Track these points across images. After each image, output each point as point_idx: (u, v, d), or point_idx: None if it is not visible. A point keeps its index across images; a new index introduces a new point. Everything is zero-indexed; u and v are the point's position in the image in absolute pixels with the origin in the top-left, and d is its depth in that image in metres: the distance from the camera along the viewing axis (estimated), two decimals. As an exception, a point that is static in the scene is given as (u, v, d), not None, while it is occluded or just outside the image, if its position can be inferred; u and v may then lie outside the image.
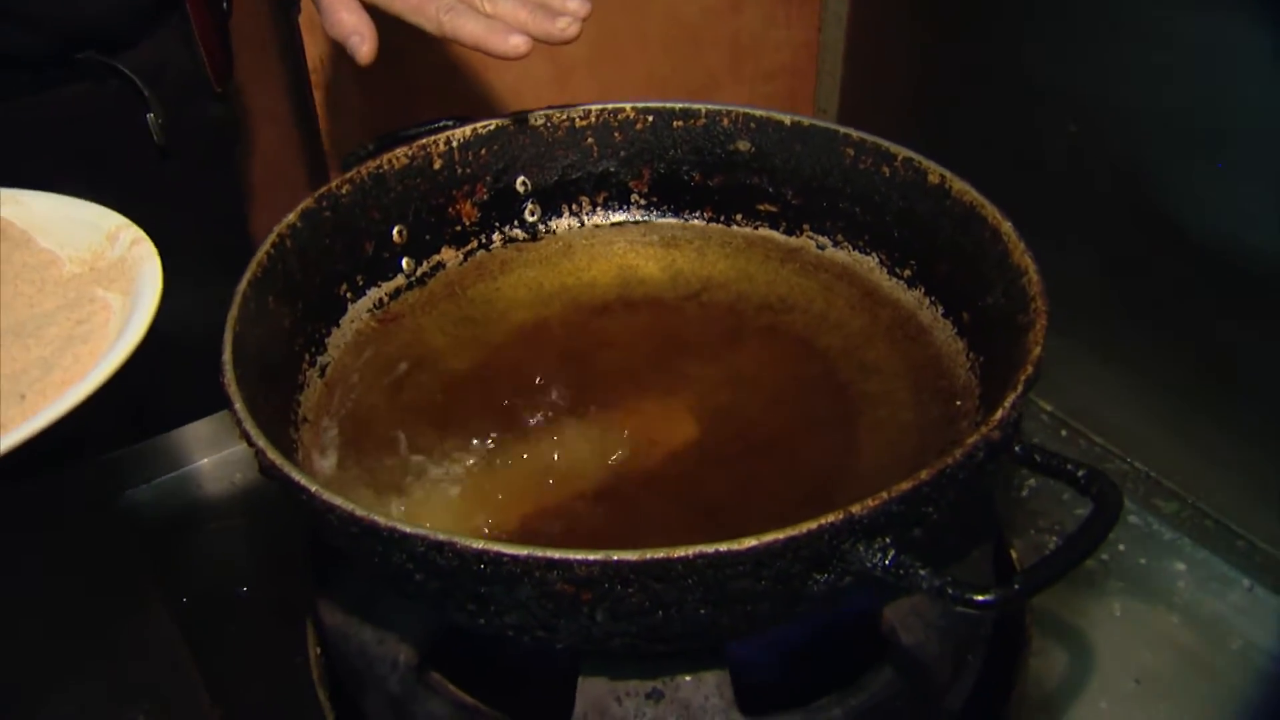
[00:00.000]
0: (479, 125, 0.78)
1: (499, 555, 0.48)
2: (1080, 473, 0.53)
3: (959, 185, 0.69)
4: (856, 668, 0.60)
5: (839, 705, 0.58)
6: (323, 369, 0.71)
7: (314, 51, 1.04)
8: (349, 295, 0.74)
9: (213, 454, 0.87)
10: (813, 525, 0.48)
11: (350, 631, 0.63)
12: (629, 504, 0.64)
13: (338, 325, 0.73)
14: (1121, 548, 0.80)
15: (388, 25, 1.04)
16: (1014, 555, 0.75)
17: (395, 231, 0.76)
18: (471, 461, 0.66)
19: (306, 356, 0.70)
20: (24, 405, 0.54)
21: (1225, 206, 0.79)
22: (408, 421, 0.69)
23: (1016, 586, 0.48)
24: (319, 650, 0.71)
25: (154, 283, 0.60)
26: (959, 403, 0.66)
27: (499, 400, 0.70)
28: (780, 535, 0.48)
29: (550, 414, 0.69)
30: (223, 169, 0.97)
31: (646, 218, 0.83)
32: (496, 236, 0.82)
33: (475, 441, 0.67)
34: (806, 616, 0.55)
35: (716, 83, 1.22)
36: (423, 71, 1.08)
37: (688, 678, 0.57)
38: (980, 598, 0.48)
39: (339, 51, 1.03)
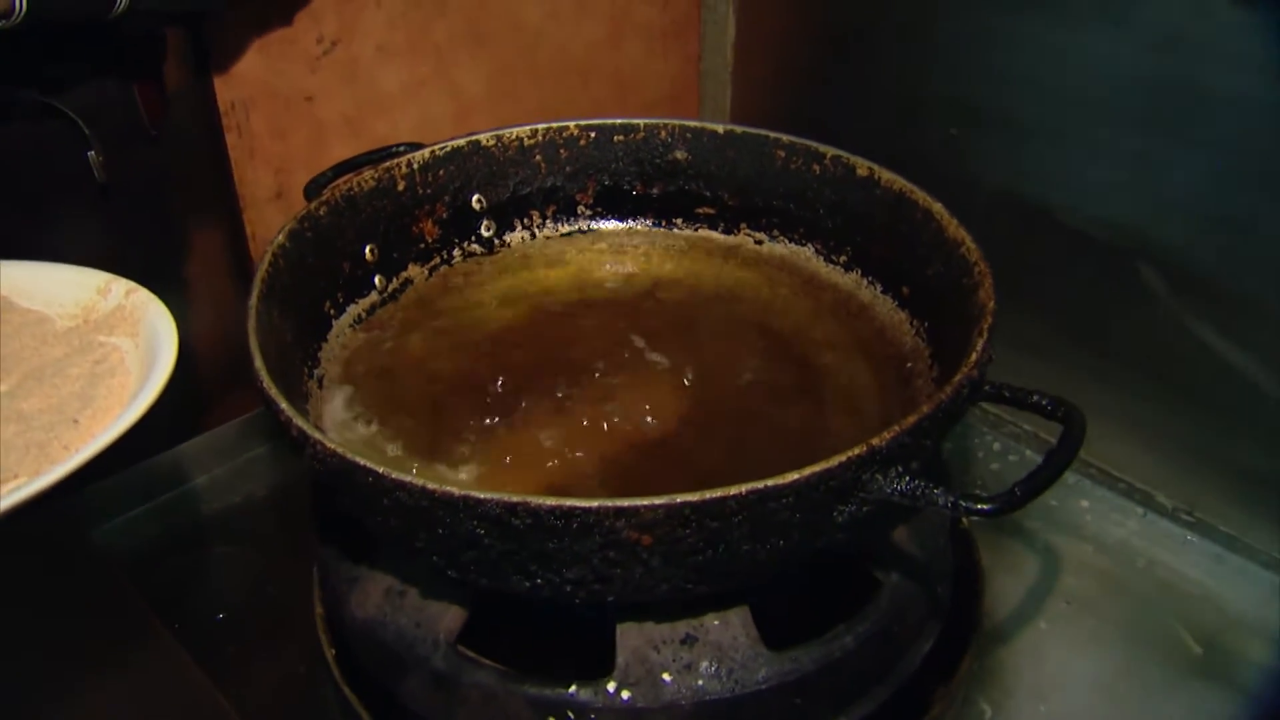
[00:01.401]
0: (436, 147, 0.83)
1: (572, 509, 0.53)
2: (1045, 401, 0.63)
3: (887, 175, 0.78)
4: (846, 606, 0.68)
5: (849, 633, 0.65)
6: (320, 380, 0.74)
7: (225, 96, 1.05)
8: (332, 312, 0.78)
9: (186, 483, 0.88)
10: (842, 458, 0.55)
11: (386, 619, 0.66)
12: (631, 479, 0.69)
13: (326, 340, 0.77)
14: (1034, 492, 0.91)
15: (297, 73, 1.08)
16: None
17: (367, 250, 0.80)
18: (472, 453, 0.71)
19: (305, 369, 0.73)
20: (79, 429, 0.56)
21: (1088, 189, 0.91)
22: (405, 424, 0.73)
23: (1017, 493, 0.56)
24: (334, 652, 0.73)
25: (166, 318, 0.64)
26: (910, 364, 0.75)
27: (487, 396, 0.75)
28: (817, 468, 0.55)
29: (538, 404, 0.74)
30: (157, 209, 0.98)
31: (594, 226, 0.90)
32: (457, 252, 0.86)
33: (473, 435, 0.72)
34: (825, 550, 0.62)
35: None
36: (331, 114, 1.11)
37: (715, 620, 0.63)
38: (986, 506, 0.56)
39: (250, 96, 1.07)
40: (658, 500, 0.53)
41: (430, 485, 0.54)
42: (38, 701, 0.66)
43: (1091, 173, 0.91)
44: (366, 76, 1.13)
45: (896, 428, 0.57)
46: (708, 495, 0.54)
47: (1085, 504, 0.90)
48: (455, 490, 0.54)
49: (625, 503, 0.53)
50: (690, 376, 0.76)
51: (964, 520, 0.81)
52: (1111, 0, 0.84)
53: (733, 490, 0.54)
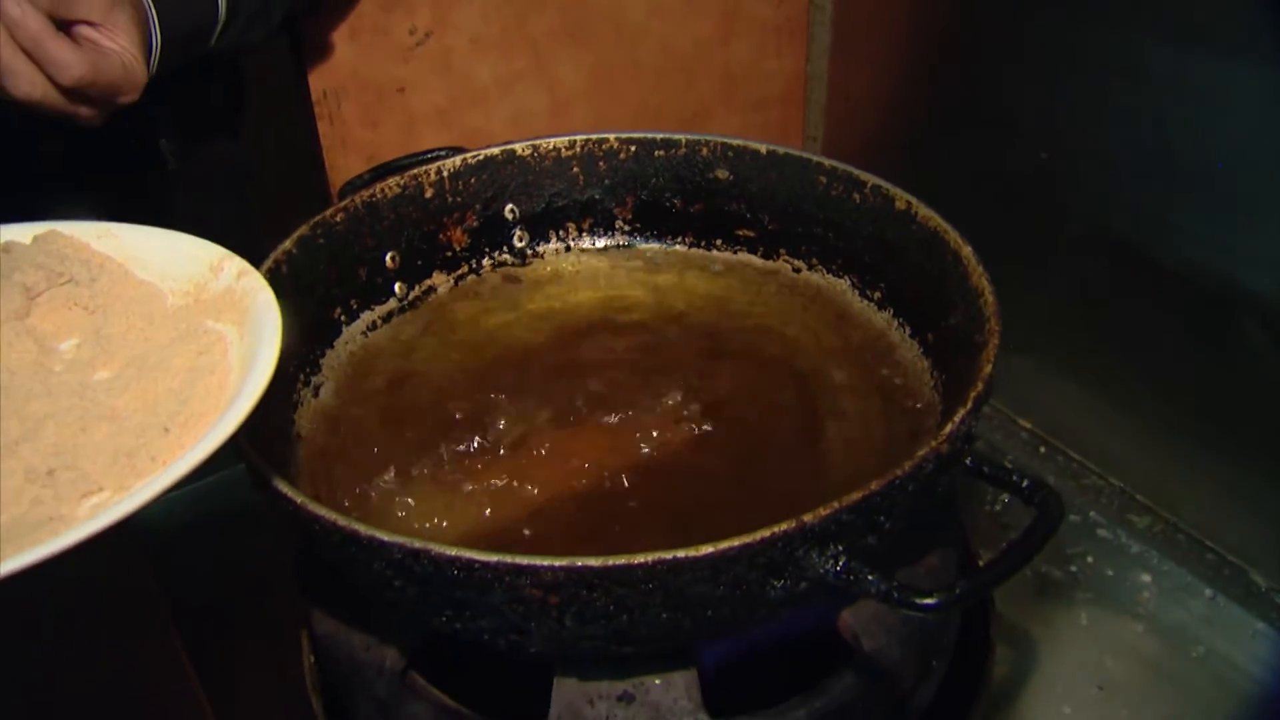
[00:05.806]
0: (469, 155, 0.82)
1: (471, 561, 0.51)
2: (1024, 483, 0.56)
3: (924, 211, 0.72)
4: (823, 670, 0.63)
5: (803, 707, 0.61)
6: (316, 388, 0.74)
7: (318, 85, 1.07)
8: (343, 318, 0.78)
9: (220, 471, 0.90)
10: (766, 533, 0.51)
11: (340, 639, 0.66)
12: (608, 516, 0.67)
13: (331, 347, 0.77)
14: (1090, 560, 0.83)
15: (389, 63, 1.09)
16: (981, 565, 0.78)
17: (388, 257, 0.80)
18: (458, 475, 0.69)
19: (301, 376, 0.73)
20: (169, 438, 0.52)
21: (1190, 232, 0.82)
22: (400, 438, 0.72)
23: (957, 591, 0.51)
24: (312, 659, 0.74)
25: (273, 311, 0.58)
26: (924, 420, 0.69)
27: (486, 417, 0.73)
28: (735, 542, 0.51)
29: (535, 431, 0.72)
30: (236, 199, 1.01)
31: (630, 243, 0.87)
32: (486, 262, 0.85)
33: (464, 457, 0.70)
34: (768, 620, 0.58)
35: (709, 112, 1.25)
36: (424, 105, 1.12)
37: (657, 680, 0.60)
38: (923, 601, 0.51)
39: (343, 85, 1.08)
40: (558, 561, 0.51)
41: (341, 522, 0.54)
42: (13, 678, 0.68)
43: (1193, 213, 0.81)
44: (460, 68, 1.13)
45: (835, 504, 0.52)
46: (610, 561, 0.51)
47: (1147, 578, 0.82)
48: (362, 530, 0.53)
49: (525, 560, 0.51)
50: (698, 413, 0.73)
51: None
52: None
53: (638, 559, 0.51)
